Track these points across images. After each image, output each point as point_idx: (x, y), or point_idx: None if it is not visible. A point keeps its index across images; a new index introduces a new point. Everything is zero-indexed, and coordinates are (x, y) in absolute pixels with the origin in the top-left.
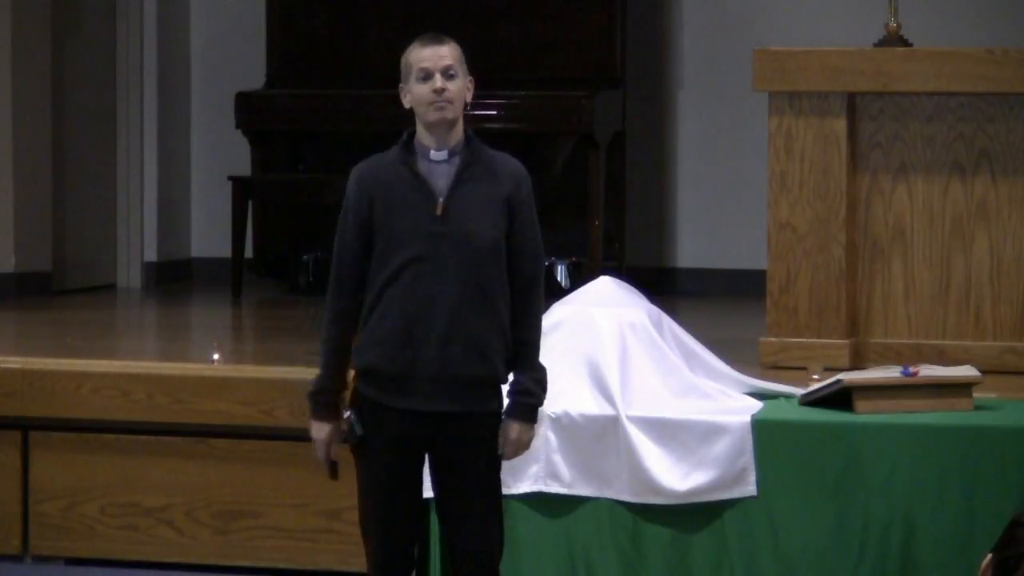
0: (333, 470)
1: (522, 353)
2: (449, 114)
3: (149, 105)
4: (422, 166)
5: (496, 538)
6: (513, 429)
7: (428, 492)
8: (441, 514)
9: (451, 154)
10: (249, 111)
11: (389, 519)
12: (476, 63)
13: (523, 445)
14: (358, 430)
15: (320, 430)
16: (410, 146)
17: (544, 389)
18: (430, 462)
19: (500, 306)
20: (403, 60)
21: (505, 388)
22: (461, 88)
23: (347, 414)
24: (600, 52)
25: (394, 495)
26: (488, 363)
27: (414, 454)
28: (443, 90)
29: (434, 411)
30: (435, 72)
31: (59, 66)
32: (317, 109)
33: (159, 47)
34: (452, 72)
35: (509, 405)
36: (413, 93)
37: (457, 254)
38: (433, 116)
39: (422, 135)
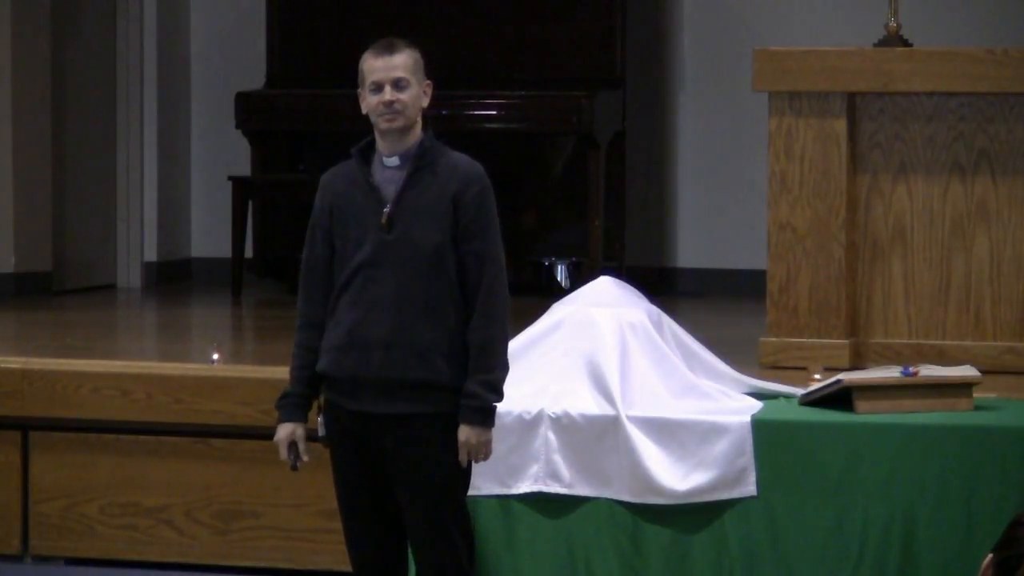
0: (293, 465)
1: (472, 356)
2: (398, 123)
3: (149, 105)
4: (376, 173)
5: (456, 545)
6: (462, 432)
7: None
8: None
9: (403, 160)
10: (249, 111)
11: (352, 520)
12: (476, 63)
13: (475, 448)
14: (320, 431)
15: (280, 430)
16: (368, 153)
17: (495, 391)
18: (384, 465)
19: (446, 309)
20: (360, 65)
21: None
22: (414, 96)
23: (319, 416)
24: (600, 52)
25: (354, 496)
26: (429, 366)
27: (372, 457)
28: (392, 102)
29: (381, 413)
30: (385, 84)
31: (59, 66)
32: (317, 109)
33: (159, 47)
34: (403, 83)
35: (461, 410)
36: (367, 102)
37: (400, 260)
38: (383, 125)
39: (378, 141)
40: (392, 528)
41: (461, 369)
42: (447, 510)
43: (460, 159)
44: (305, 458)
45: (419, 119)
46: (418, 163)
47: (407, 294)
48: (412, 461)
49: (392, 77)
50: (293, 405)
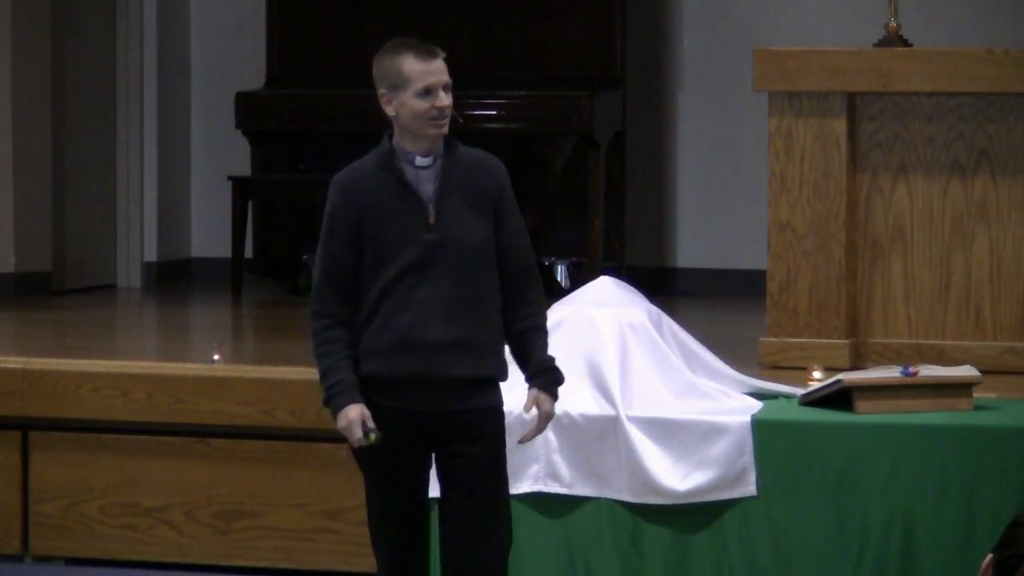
0: (375, 440)
1: (532, 337)
2: (446, 128)
3: (149, 105)
4: (408, 172)
5: (502, 537)
6: (544, 402)
7: (433, 492)
8: (445, 514)
9: (435, 157)
10: (249, 111)
11: (390, 523)
12: (476, 63)
13: (550, 416)
14: (370, 423)
15: (348, 413)
16: (391, 153)
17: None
18: (436, 462)
19: (494, 305)
20: (389, 66)
21: (504, 385)
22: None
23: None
24: (600, 52)
25: (398, 498)
26: (487, 361)
27: (419, 457)
28: (448, 106)
29: (437, 411)
30: (438, 88)
31: (59, 66)
32: (317, 109)
33: (159, 47)
34: (449, 87)
35: (538, 381)
36: (410, 106)
37: (450, 259)
38: (433, 132)
39: (405, 142)
40: (420, 537)
41: (505, 362)
42: (502, 504)
43: (478, 153)
44: (378, 432)
45: None
46: (451, 160)
47: (461, 292)
48: (469, 455)
49: (444, 80)
50: (350, 387)
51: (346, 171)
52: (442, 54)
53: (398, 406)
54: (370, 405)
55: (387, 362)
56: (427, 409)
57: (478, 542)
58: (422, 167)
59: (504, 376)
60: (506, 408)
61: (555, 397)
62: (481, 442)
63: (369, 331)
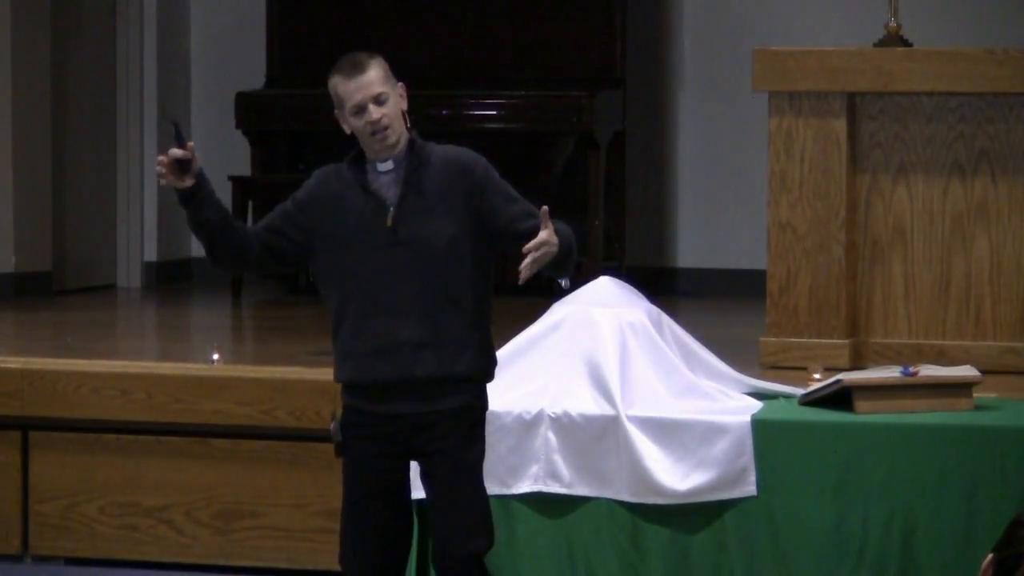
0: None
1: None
2: (391, 140)
3: (149, 105)
4: (371, 178)
5: (480, 533)
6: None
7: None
8: (430, 511)
9: (396, 162)
10: (249, 111)
11: (359, 527)
12: (476, 63)
13: (550, 246)
14: (337, 437)
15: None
16: (359, 161)
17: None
18: (419, 463)
19: (467, 302)
20: (330, 88)
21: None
22: (394, 105)
23: (332, 423)
24: (600, 52)
25: (367, 502)
26: (461, 361)
27: (400, 460)
28: (379, 119)
29: (410, 412)
30: (367, 104)
31: (59, 66)
32: (317, 109)
33: (159, 47)
34: (382, 98)
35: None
36: (352, 125)
37: (415, 260)
38: (379, 146)
39: (368, 149)
40: (393, 544)
41: (486, 360)
42: (477, 500)
43: (449, 149)
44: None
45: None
46: (412, 163)
47: (428, 292)
48: (445, 454)
49: (371, 95)
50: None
51: (331, 166)
52: (372, 66)
53: (375, 410)
54: (349, 409)
55: (358, 366)
56: (400, 412)
57: (454, 538)
58: (383, 172)
59: (484, 375)
60: (505, 408)
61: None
62: (453, 439)
63: (341, 336)
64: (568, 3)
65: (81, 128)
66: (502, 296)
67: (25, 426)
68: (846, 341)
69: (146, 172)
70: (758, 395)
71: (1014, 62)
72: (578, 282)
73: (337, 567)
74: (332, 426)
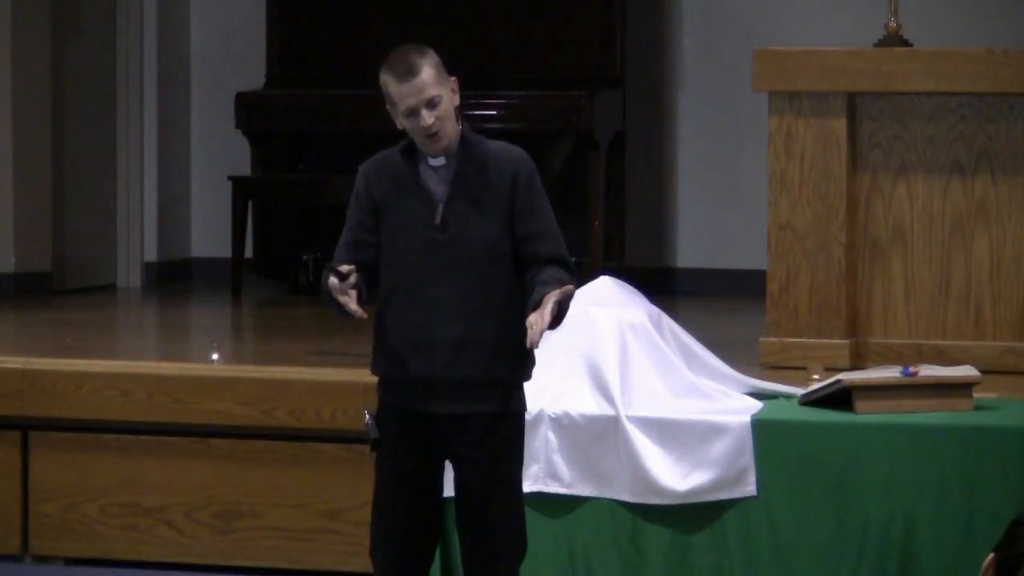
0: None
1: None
2: (446, 140)
3: (149, 105)
4: (423, 171)
5: (513, 545)
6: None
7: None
8: (457, 517)
9: (448, 158)
10: (249, 111)
11: (392, 525)
12: (476, 63)
13: (568, 296)
14: (373, 433)
15: (326, 277)
16: (411, 151)
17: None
18: (452, 465)
19: (507, 304)
20: (382, 85)
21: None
22: (447, 105)
23: (367, 418)
24: (600, 52)
25: (402, 500)
26: (499, 363)
27: (433, 459)
28: (431, 125)
29: (450, 413)
30: (419, 109)
31: (59, 66)
32: (317, 109)
33: (159, 47)
34: (435, 101)
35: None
36: (405, 125)
37: (459, 259)
38: (430, 148)
39: (419, 145)
40: (421, 540)
41: (524, 361)
42: (512, 512)
43: (502, 147)
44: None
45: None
46: (464, 159)
47: (469, 292)
48: (480, 459)
49: (424, 99)
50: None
51: (372, 159)
52: (424, 67)
53: (411, 408)
54: (385, 404)
55: (394, 362)
56: (433, 411)
57: (486, 550)
58: (435, 167)
59: (521, 378)
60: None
61: (563, 285)
62: (487, 448)
63: (381, 329)
64: (568, 3)
65: (81, 128)
66: None
67: (25, 426)
68: (846, 341)
69: (146, 172)
70: (758, 395)
71: (1014, 62)
72: (578, 282)
73: (337, 567)
74: (366, 421)
